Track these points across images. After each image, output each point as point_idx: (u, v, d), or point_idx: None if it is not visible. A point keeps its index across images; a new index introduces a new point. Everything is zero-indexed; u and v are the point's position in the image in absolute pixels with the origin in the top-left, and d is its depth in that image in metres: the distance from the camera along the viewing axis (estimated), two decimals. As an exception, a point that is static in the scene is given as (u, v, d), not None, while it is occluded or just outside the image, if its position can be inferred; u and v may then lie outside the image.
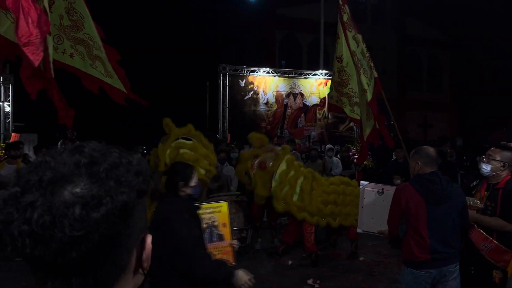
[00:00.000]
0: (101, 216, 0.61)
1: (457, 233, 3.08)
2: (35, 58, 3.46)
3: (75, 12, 4.87)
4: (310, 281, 5.61)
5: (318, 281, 5.61)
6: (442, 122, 24.16)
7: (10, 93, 11.92)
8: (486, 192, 3.55)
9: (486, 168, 3.46)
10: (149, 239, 0.72)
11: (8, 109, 11.84)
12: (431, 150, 3.25)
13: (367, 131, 7.07)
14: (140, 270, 0.72)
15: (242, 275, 2.67)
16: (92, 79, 4.99)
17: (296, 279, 5.81)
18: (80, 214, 0.60)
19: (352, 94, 7.38)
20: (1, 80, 11.78)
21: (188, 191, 2.77)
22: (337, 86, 7.59)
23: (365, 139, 7.14)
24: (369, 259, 6.64)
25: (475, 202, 3.55)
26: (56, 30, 4.65)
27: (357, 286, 5.48)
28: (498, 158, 3.41)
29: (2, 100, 11.73)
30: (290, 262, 6.58)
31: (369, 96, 6.84)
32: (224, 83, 13.32)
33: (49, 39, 4.03)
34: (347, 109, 7.54)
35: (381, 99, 7.45)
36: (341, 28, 7.37)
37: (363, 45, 7.36)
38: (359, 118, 7.34)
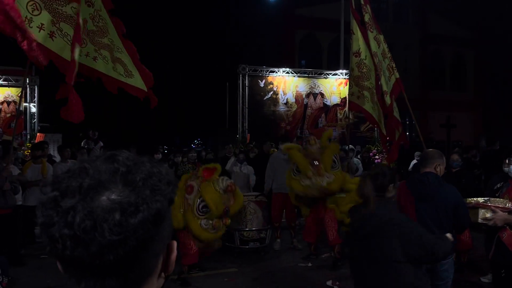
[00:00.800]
0: (138, 222, 0.65)
1: (443, 230, 3.15)
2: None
3: (101, 19, 4.99)
4: (329, 283, 5.57)
5: (337, 283, 5.56)
6: (466, 122, 23.60)
7: (36, 94, 12.23)
8: None
9: None
10: (174, 245, 0.76)
11: (34, 109, 12.15)
12: (430, 152, 3.53)
13: (398, 133, 7.00)
14: (163, 274, 0.76)
15: (450, 236, 2.89)
16: (113, 81, 5.09)
17: (316, 280, 5.78)
18: (120, 219, 0.64)
19: (375, 91, 7.25)
20: (28, 82, 12.09)
21: (393, 192, 2.85)
22: (357, 81, 7.41)
23: (396, 139, 7.03)
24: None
25: (504, 203, 3.48)
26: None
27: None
28: None
29: (28, 101, 12.05)
30: (309, 264, 6.55)
31: (388, 101, 6.74)
32: (243, 84, 13.34)
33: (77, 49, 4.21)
34: (368, 105, 7.30)
35: (403, 99, 7.34)
36: (355, 23, 7.33)
37: (384, 46, 7.26)
38: (376, 118, 7.20)
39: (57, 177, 0.69)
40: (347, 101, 8.07)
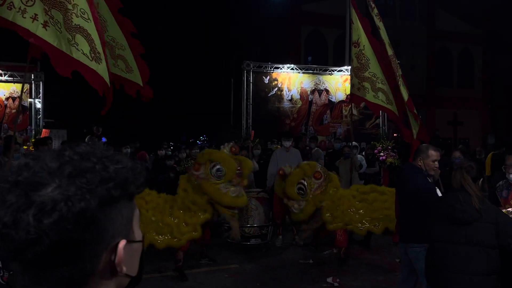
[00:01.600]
0: (53, 222, 0.63)
1: (409, 220, 3.71)
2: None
3: (99, 15, 4.98)
4: (330, 280, 5.54)
5: (337, 280, 5.53)
6: (473, 120, 23.38)
7: (41, 90, 12.30)
8: None
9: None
10: (120, 245, 0.72)
11: (39, 105, 12.22)
12: (419, 146, 4.10)
13: (416, 130, 6.86)
14: (122, 273, 0.73)
15: None
16: (114, 77, 5.09)
17: (317, 277, 5.75)
18: (34, 218, 0.63)
19: (375, 79, 7.14)
20: (33, 77, 12.17)
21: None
22: (357, 72, 7.32)
23: (415, 138, 6.84)
24: (391, 258, 6.51)
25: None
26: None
27: (378, 286, 5.38)
28: None
29: (33, 96, 12.12)
30: (310, 261, 6.53)
31: (405, 96, 6.58)
32: (248, 80, 13.30)
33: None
34: (369, 95, 7.18)
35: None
36: (354, 13, 7.28)
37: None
38: (383, 105, 7.12)
39: (4, 171, 0.69)
40: (350, 94, 7.98)
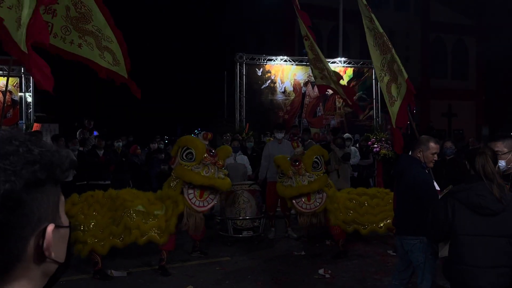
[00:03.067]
0: None
1: (405, 212, 3.69)
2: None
3: (83, 5, 4.91)
4: (321, 271, 5.53)
5: (329, 271, 5.52)
6: (467, 111, 23.43)
7: (31, 84, 12.14)
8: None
9: (502, 165, 3.34)
10: (50, 228, 0.70)
11: (29, 99, 12.08)
12: (419, 138, 3.94)
13: (394, 117, 6.75)
14: (50, 259, 0.72)
15: None
16: (100, 68, 5.03)
17: (308, 269, 5.73)
18: None
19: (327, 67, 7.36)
20: (23, 71, 12.02)
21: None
22: (315, 63, 7.50)
23: (394, 126, 6.75)
24: (383, 250, 6.50)
25: None
26: (62, 21, 4.68)
27: (370, 277, 5.37)
28: (505, 150, 3.30)
29: (23, 90, 11.97)
30: (303, 253, 6.51)
31: (405, 75, 6.42)
32: (241, 72, 13.22)
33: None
34: (331, 80, 7.34)
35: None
36: (295, 7, 7.51)
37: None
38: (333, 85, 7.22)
39: None
40: (316, 86, 8.27)
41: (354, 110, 7.51)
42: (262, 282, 5.25)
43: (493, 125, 20.90)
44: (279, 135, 7.70)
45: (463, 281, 2.88)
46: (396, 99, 6.15)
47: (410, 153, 3.83)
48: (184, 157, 5.36)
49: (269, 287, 5.10)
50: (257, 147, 10.53)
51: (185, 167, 5.33)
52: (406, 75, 6.02)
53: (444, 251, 3.08)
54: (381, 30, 6.49)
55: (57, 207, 0.75)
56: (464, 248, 2.85)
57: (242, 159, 8.46)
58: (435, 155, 3.73)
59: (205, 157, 5.35)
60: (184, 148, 5.40)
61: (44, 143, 0.73)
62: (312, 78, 13.91)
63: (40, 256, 0.70)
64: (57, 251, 0.73)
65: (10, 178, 0.64)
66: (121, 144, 10.14)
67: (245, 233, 6.92)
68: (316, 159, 6.21)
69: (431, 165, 3.73)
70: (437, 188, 3.78)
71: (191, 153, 5.36)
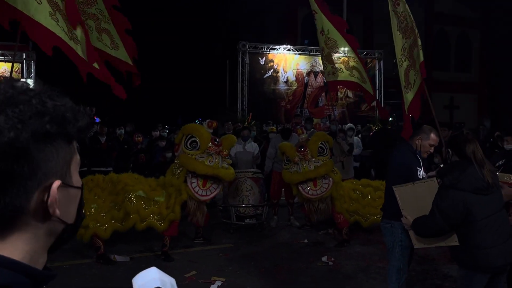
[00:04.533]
0: None
1: (385, 196, 3.76)
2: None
3: None
4: (324, 259, 5.53)
5: (332, 259, 5.52)
6: (469, 104, 23.35)
7: (32, 70, 12.09)
8: None
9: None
10: (55, 184, 0.68)
11: (31, 86, 12.01)
12: (421, 127, 3.90)
13: (407, 104, 6.60)
14: (55, 218, 0.69)
15: None
16: (96, 52, 4.96)
17: (311, 256, 5.74)
18: None
19: (347, 58, 7.15)
20: (24, 57, 11.94)
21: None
22: (328, 58, 7.36)
23: (406, 113, 6.62)
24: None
25: (504, 177, 3.44)
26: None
27: (373, 265, 5.37)
28: None
29: (25, 76, 11.91)
30: (305, 240, 6.51)
31: (421, 57, 6.25)
32: (243, 61, 13.15)
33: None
34: (344, 75, 7.19)
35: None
36: (314, 2, 7.27)
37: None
38: (359, 82, 7.09)
39: None
40: (327, 84, 8.07)
41: (381, 114, 7.27)
42: (265, 269, 5.25)
43: (495, 118, 20.84)
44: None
45: (477, 264, 2.91)
46: (412, 86, 6.06)
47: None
48: (188, 146, 5.34)
49: (272, 274, 5.10)
50: (259, 136, 10.50)
51: (189, 155, 5.31)
52: (422, 58, 5.94)
53: (450, 241, 3.09)
54: (408, 11, 6.28)
55: (69, 166, 0.72)
56: (476, 232, 2.89)
57: (252, 146, 8.39)
58: (432, 148, 3.71)
59: (210, 147, 5.33)
60: (189, 136, 5.38)
61: (63, 99, 0.71)
62: (316, 68, 13.90)
63: (45, 212, 0.68)
64: (65, 211, 0.72)
65: (17, 126, 0.63)
66: (123, 131, 10.11)
67: (247, 221, 6.92)
68: (321, 145, 6.23)
69: (425, 155, 3.71)
70: (423, 174, 3.69)
71: (196, 141, 5.33)
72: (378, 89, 13.99)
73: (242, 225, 6.93)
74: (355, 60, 7.04)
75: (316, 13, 7.32)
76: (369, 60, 14.28)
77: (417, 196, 3.27)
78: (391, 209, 3.56)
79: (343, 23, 7.16)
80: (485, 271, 2.93)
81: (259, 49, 13.44)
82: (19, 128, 0.63)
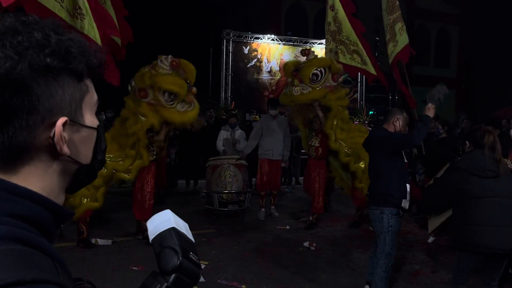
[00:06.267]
0: None
1: (371, 183, 3.81)
2: None
3: None
4: (306, 244, 5.61)
5: (314, 244, 5.60)
6: (447, 99, 23.82)
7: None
8: None
9: None
10: (60, 121, 0.66)
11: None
12: (391, 110, 4.20)
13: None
14: (64, 155, 0.68)
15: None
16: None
17: (293, 241, 5.81)
18: None
19: (348, 42, 7.15)
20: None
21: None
22: (334, 35, 7.26)
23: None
24: (366, 225, 6.62)
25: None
26: None
27: (354, 250, 5.47)
28: None
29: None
30: (287, 227, 6.58)
31: (406, 39, 6.73)
32: (227, 49, 13.08)
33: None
34: (345, 58, 7.24)
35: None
36: None
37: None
38: (360, 66, 7.17)
39: None
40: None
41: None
42: (248, 252, 5.30)
43: (472, 113, 21.36)
44: (273, 112, 7.39)
45: (469, 241, 3.03)
46: (389, 57, 6.67)
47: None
48: (166, 98, 5.23)
49: (255, 257, 5.14)
50: (242, 125, 10.49)
51: (172, 109, 5.26)
52: (407, 41, 6.23)
53: (436, 221, 3.25)
54: None
55: (80, 104, 0.70)
56: (471, 210, 3.02)
57: (240, 134, 8.35)
58: (406, 127, 3.83)
59: (187, 95, 5.31)
60: (163, 92, 5.22)
61: (72, 35, 0.68)
62: (299, 58, 13.88)
63: (53, 149, 0.67)
64: (78, 151, 0.71)
65: (13, 57, 0.61)
66: (104, 117, 9.96)
67: (230, 207, 6.93)
68: (316, 71, 6.04)
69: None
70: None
71: (172, 93, 5.23)
72: (360, 81, 14.10)
73: (225, 211, 6.94)
74: (355, 44, 7.09)
75: None
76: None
77: None
78: (379, 194, 3.62)
79: (352, 6, 7.14)
80: (477, 250, 3.03)
81: (243, 38, 13.39)
82: (15, 59, 0.61)
